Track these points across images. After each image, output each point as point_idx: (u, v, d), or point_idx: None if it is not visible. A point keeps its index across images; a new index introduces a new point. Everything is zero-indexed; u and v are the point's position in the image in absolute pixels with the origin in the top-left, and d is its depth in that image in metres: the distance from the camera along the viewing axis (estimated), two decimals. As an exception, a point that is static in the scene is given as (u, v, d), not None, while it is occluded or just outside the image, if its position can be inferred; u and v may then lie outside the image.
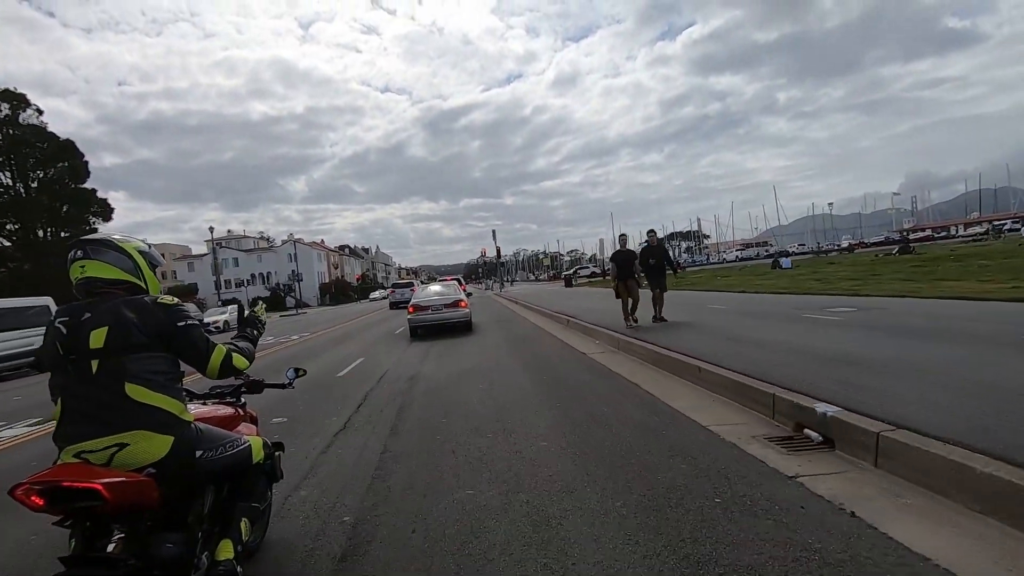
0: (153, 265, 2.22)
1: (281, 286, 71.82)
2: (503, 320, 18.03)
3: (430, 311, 15.02)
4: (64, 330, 1.95)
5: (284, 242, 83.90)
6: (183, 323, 2.09)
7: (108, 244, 2.09)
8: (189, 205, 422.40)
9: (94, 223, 35.74)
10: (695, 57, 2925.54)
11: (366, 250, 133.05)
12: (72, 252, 2.05)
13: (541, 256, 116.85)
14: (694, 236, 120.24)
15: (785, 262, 30.74)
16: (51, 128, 33.31)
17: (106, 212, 35.47)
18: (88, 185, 35.82)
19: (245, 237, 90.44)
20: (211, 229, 35.78)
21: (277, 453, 2.93)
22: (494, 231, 47.26)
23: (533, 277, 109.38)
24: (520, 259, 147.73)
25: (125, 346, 1.93)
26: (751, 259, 74.47)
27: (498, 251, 46.92)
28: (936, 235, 73.21)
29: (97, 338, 1.91)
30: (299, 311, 55.98)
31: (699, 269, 55.06)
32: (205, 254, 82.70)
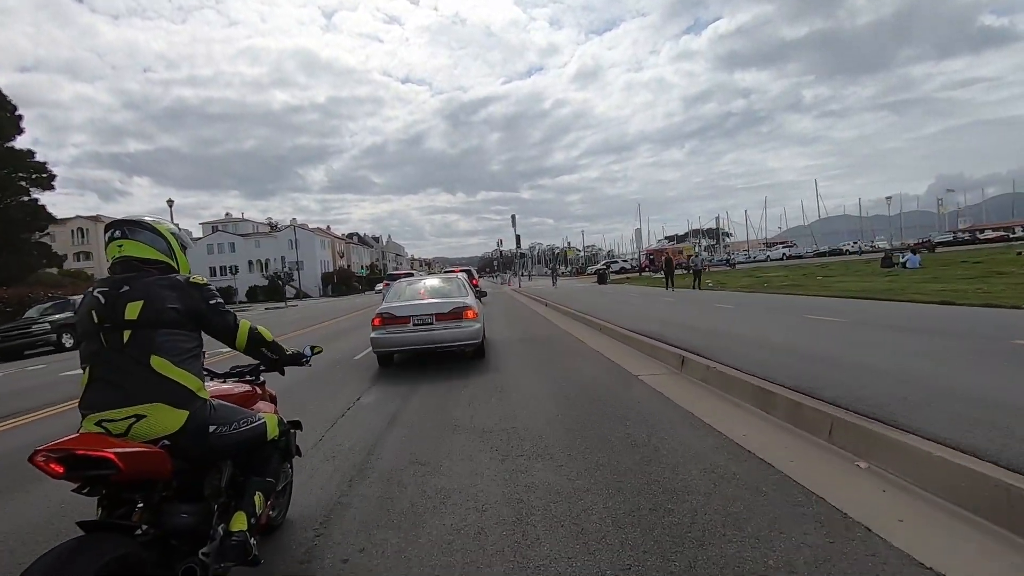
0: (184, 246, 2.31)
1: (279, 274, 65.46)
2: (537, 340, 11.08)
3: (410, 325, 8.17)
4: (102, 299, 2.01)
5: (284, 227, 77.80)
6: (213, 301, 2.19)
7: (144, 225, 2.19)
8: (210, 192, 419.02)
9: (32, 192, 29.51)
10: (721, 53, 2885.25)
11: (376, 239, 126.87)
12: (111, 232, 2.16)
13: (564, 249, 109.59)
14: (716, 234, 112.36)
15: (912, 260, 23.28)
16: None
17: (45, 180, 29.09)
18: (29, 147, 29.54)
19: (243, 221, 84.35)
20: (170, 202, 29.23)
21: (293, 431, 2.96)
22: (514, 216, 40.31)
23: (548, 271, 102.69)
24: (536, 253, 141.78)
25: (157, 320, 2.00)
26: (799, 257, 66.92)
27: (517, 239, 40.00)
28: (1012, 235, 64.74)
29: (132, 310, 1.98)
30: (288, 303, 49.89)
31: (754, 267, 47.69)
32: (199, 238, 76.97)
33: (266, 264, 71.22)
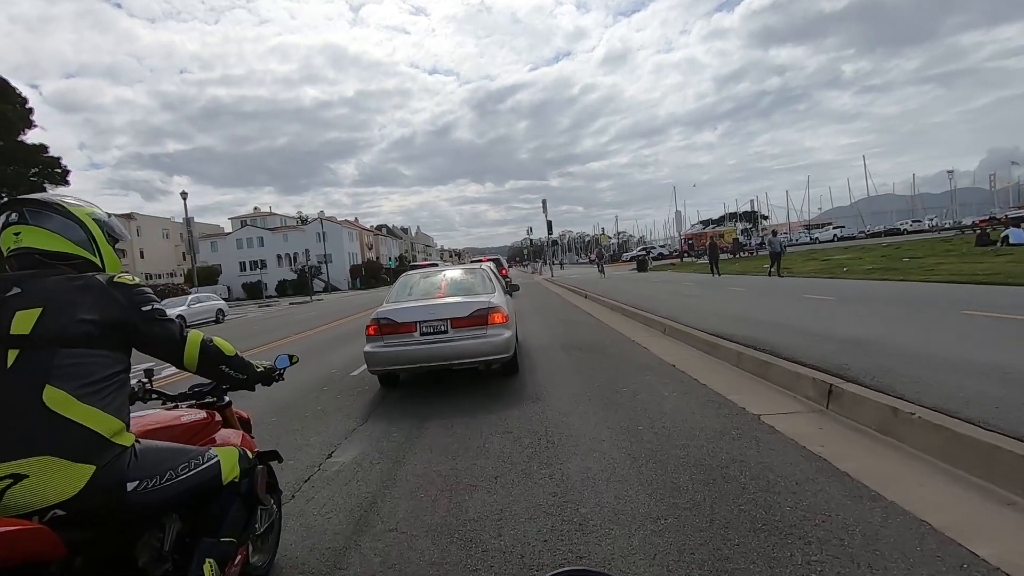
0: (113, 239, 1.67)
1: (307, 268, 64.70)
2: (587, 348, 8.77)
3: (416, 334, 5.96)
4: None
5: (312, 220, 77.05)
6: (148, 307, 1.56)
7: (53, 207, 1.56)
8: (246, 189, 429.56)
9: (45, 187, 28.57)
10: (754, 29, 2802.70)
11: (405, 230, 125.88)
12: (5, 215, 1.53)
13: (598, 236, 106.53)
14: (753, 217, 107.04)
15: (1017, 234, 19.99)
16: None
17: (56, 176, 28.10)
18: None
19: (272, 215, 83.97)
20: (183, 195, 27.88)
21: (262, 468, 2.10)
22: (544, 201, 37.86)
23: (591, 258, 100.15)
24: (566, 241, 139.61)
25: (59, 336, 1.39)
26: (851, 238, 62.29)
27: (549, 225, 37.52)
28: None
29: (23, 322, 1.38)
30: (314, 297, 48.78)
31: (807, 250, 44.01)
32: (229, 232, 76.96)
33: (294, 258, 70.56)
